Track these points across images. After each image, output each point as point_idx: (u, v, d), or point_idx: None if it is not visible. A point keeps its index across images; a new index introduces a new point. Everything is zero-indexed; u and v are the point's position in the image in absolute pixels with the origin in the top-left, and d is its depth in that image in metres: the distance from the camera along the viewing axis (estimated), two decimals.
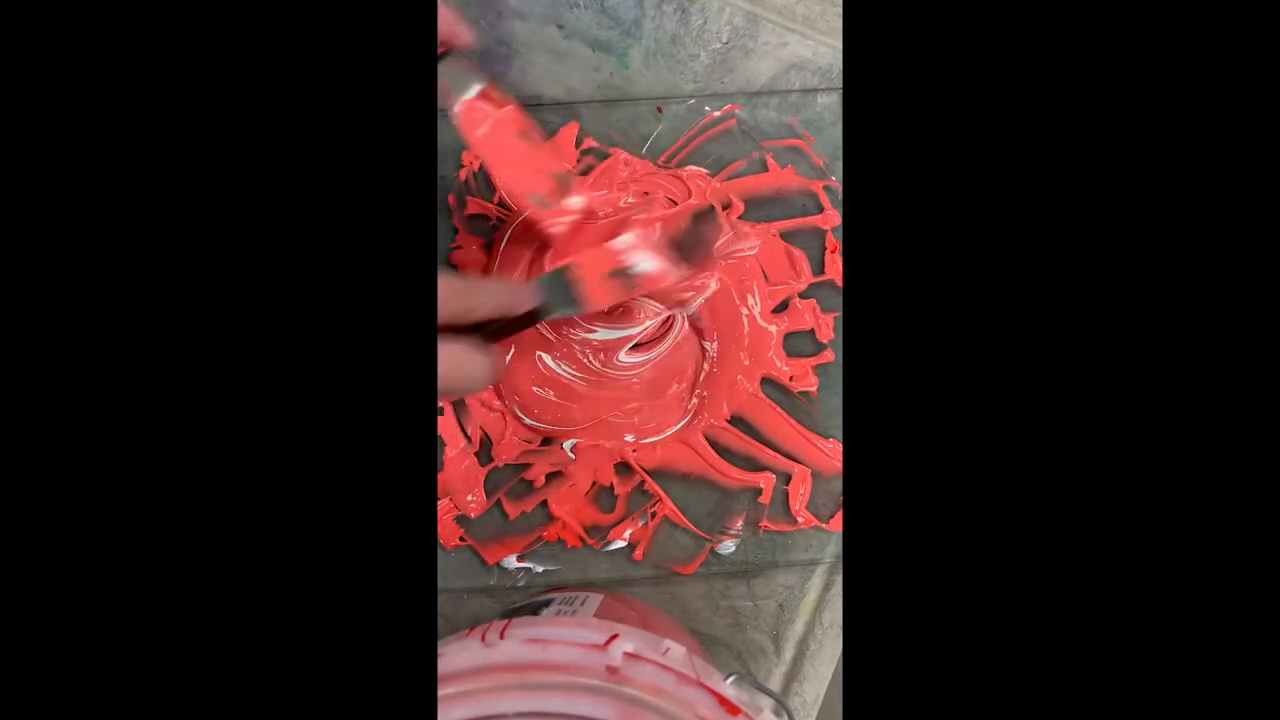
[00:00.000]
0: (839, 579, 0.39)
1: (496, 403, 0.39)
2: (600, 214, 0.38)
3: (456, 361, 0.29)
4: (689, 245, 0.35)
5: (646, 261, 0.34)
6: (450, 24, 0.33)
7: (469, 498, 0.38)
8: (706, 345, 0.39)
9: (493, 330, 0.31)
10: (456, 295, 0.30)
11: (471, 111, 0.34)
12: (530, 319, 0.33)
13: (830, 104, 0.41)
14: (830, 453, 0.39)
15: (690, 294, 0.39)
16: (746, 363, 0.39)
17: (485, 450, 0.39)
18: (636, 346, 0.39)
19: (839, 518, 0.39)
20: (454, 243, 0.39)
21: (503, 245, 0.39)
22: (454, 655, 0.22)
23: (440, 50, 0.34)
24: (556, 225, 0.36)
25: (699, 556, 0.39)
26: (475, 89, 0.34)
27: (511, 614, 0.30)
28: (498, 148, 0.35)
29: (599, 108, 0.40)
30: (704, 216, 0.36)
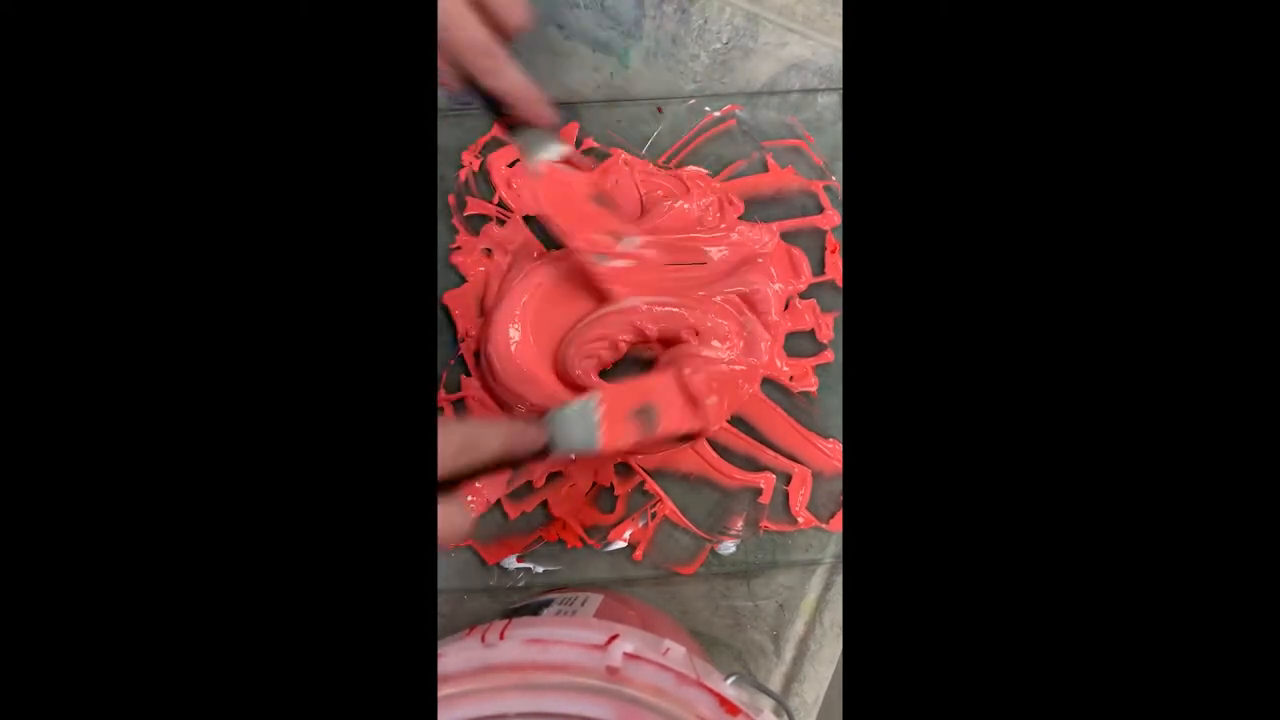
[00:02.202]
0: (839, 579, 0.39)
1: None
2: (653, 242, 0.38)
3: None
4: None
5: (668, 407, 0.34)
6: (536, 105, 0.33)
7: (469, 498, 0.38)
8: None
9: (488, 475, 0.30)
10: (458, 448, 0.27)
11: (553, 174, 0.34)
12: (538, 458, 0.31)
13: (830, 104, 0.41)
14: (830, 453, 0.39)
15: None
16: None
17: None
18: None
19: (839, 518, 0.39)
20: (454, 243, 0.39)
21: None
22: (454, 655, 0.22)
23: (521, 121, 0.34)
24: (612, 267, 0.36)
25: (699, 556, 0.39)
26: (557, 152, 0.34)
27: (511, 614, 0.30)
28: (569, 209, 0.35)
29: (599, 108, 0.40)
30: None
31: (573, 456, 0.35)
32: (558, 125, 0.34)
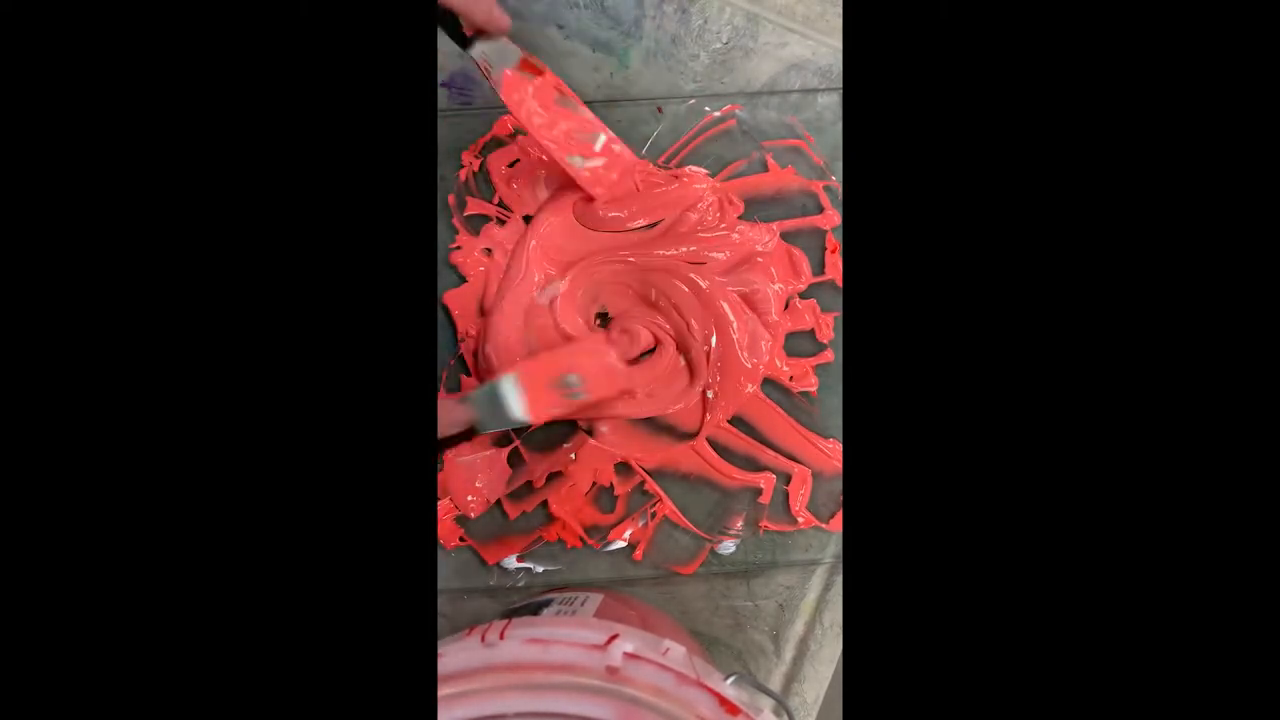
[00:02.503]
0: (839, 579, 0.39)
1: None
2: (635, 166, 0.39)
3: None
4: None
5: (591, 374, 0.35)
6: (488, 10, 0.34)
7: (469, 498, 0.38)
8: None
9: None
10: None
11: (513, 81, 0.35)
12: (466, 436, 0.32)
13: (830, 104, 0.41)
14: (830, 453, 0.39)
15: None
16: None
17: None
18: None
19: (839, 518, 0.39)
20: (454, 243, 0.39)
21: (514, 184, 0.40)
22: (454, 655, 0.22)
23: (476, 32, 0.35)
24: (590, 174, 0.37)
25: (699, 556, 0.39)
26: (515, 59, 0.35)
27: (511, 614, 0.30)
28: (540, 113, 0.36)
29: (599, 108, 0.40)
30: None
31: (499, 430, 0.36)
32: (509, 30, 0.35)
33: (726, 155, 0.40)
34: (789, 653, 0.39)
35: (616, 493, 0.39)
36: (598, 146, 0.37)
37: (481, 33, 0.34)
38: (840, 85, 0.41)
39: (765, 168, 0.40)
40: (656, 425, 0.39)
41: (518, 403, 0.33)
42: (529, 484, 0.38)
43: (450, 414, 0.31)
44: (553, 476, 0.39)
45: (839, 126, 0.41)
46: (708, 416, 0.38)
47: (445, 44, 0.36)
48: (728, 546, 0.39)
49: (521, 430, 0.38)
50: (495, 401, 0.33)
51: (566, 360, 0.35)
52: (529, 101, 0.36)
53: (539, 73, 0.36)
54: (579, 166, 0.37)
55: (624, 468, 0.39)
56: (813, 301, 0.40)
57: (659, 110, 0.40)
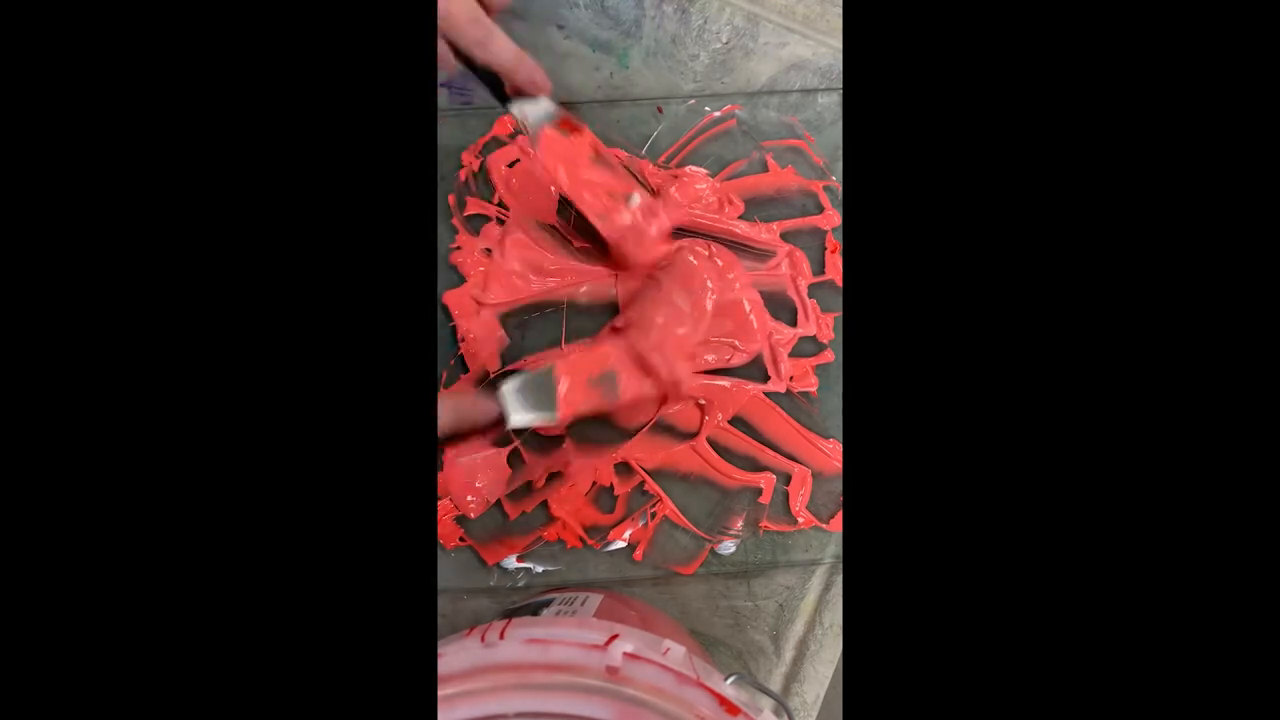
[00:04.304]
0: (839, 579, 0.39)
1: None
2: (671, 219, 0.39)
3: None
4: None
5: (628, 375, 0.35)
6: (530, 73, 0.34)
7: (469, 498, 0.38)
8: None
9: (449, 443, 0.30)
10: None
11: (551, 139, 0.35)
12: (494, 430, 0.32)
13: (830, 104, 0.41)
14: (830, 453, 0.39)
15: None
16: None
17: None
18: None
19: (839, 518, 0.39)
20: (454, 243, 0.39)
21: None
22: (454, 655, 0.22)
23: (516, 91, 0.34)
24: (620, 230, 0.37)
25: (699, 556, 0.39)
26: (554, 117, 0.35)
27: (511, 614, 0.30)
28: (575, 173, 0.36)
29: (599, 108, 0.40)
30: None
31: (527, 426, 0.35)
32: (551, 91, 0.35)
33: (726, 155, 0.40)
34: (789, 653, 0.39)
35: (616, 493, 0.39)
36: (633, 205, 0.36)
37: (521, 93, 0.34)
38: (840, 85, 0.41)
39: (765, 168, 0.40)
40: (657, 425, 0.39)
41: (554, 399, 0.32)
42: (529, 484, 0.38)
43: (475, 407, 0.31)
44: (553, 476, 0.39)
45: (839, 126, 0.41)
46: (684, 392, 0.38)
47: (445, 44, 0.36)
48: (728, 546, 0.39)
49: (522, 431, 0.38)
50: (531, 396, 0.32)
51: (605, 357, 0.35)
52: (566, 160, 0.35)
53: (577, 131, 0.35)
54: (612, 225, 0.36)
55: (624, 468, 0.39)
56: (813, 301, 0.40)
57: (659, 110, 0.40)
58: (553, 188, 0.39)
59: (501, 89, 0.34)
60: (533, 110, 0.35)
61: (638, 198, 0.36)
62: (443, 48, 0.32)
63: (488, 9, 0.33)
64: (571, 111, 0.35)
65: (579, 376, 0.33)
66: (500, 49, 0.32)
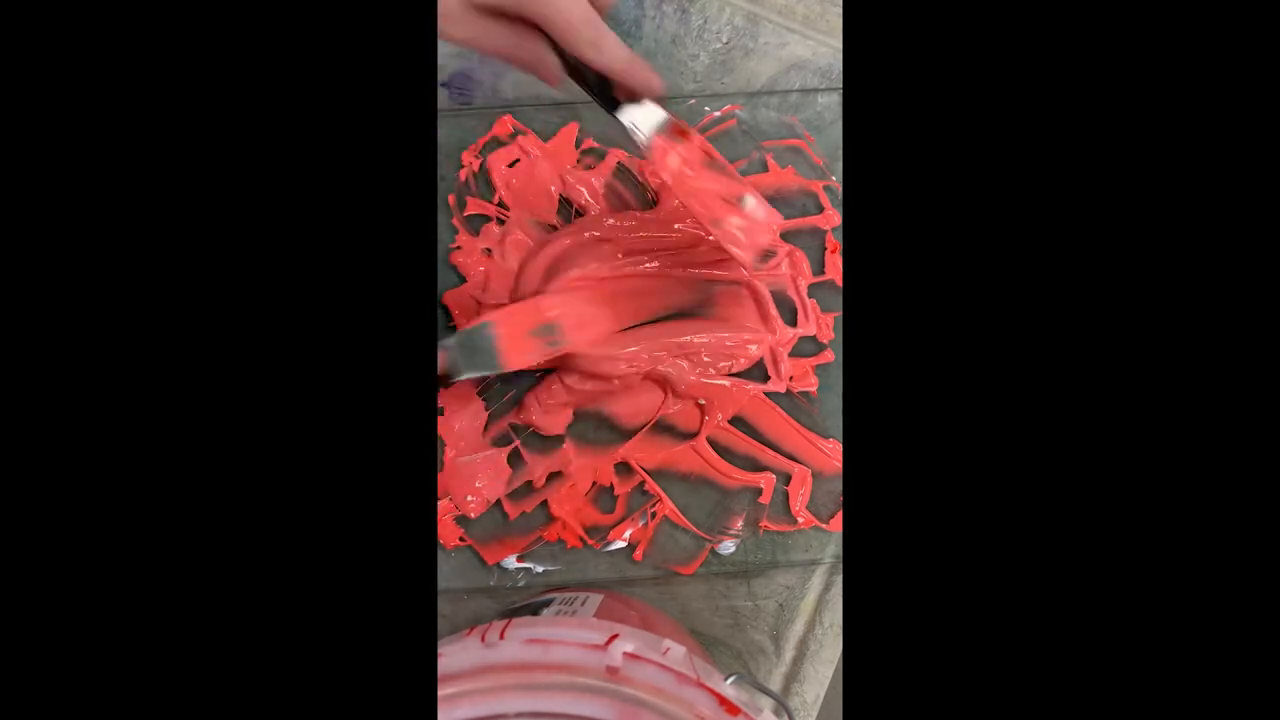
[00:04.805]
0: (839, 579, 0.39)
1: None
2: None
3: None
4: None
5: (571, 323, 0.35)
6: (646, 76, 0.32)
7: (469, 498, 0.38)
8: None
9: None
10: None
11: (662, 147, 0.34)
12: (442, 383, 0.32)
13: (830, 104, 0.41)
14: (830, 453, 0.39)
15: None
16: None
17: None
18: None
19: (839, 518, 0.39)
20: (454, 243, 0.39)
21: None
22: (454, 655, 0.22)
23: (627, 96, 0.34)
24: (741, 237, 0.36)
25: (699, 556, 0.39)
26: (664, 124, 0.34)
27: (511, 614, 0.30)
28: (688, 181, 0.35)
29: (599, 108, 0.40)
30: None
31: (477, 376, 0.36)
32: (664, 94, 0.34)
33: (726, 155, 0.40)
34: (789, 653, 0.39)
35: (616, 493, 0.39)
36: (747, 208, 0.35)
37: (633, 97, 0.33)
38: (840, 85, 0.41)
39: (765, 168, 0.40)
40: (657, 426, 0.39)
41: (495, 350, 0.33)
42: (529, 484, 0.38)
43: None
44: (553, 476, 0.39)
45: (839, 126, 0.41)
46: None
47: (445, 44, 0.36)
48: (728, 546, 0.39)
49: (522, 430, 0.38)
50: (471, 349, 0.33)
51: (548, 307, 0.35)
52: (680, 168, 0.35)
53: (687, 136, 0.35)
54: (730, 229, 0.35)
55: (624, 468, 0.39)
56: (813, 301, 0.40)
57: None
58: (654, 192, 0.39)
59: (610, 94, 0.33)
60: (643, 117, 0.34)
61: (751, 200, 0.36)
62: (547, 55, 0.30)
63: (598, 9, 0.31)
64: (679, 118, 0.34)
65: (518, 328, 0.34)
66: (615, 50, 0.30)
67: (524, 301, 0.36)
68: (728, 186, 0.35)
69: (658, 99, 0.34)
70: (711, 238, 0.36)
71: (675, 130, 0.34)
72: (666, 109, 0.34)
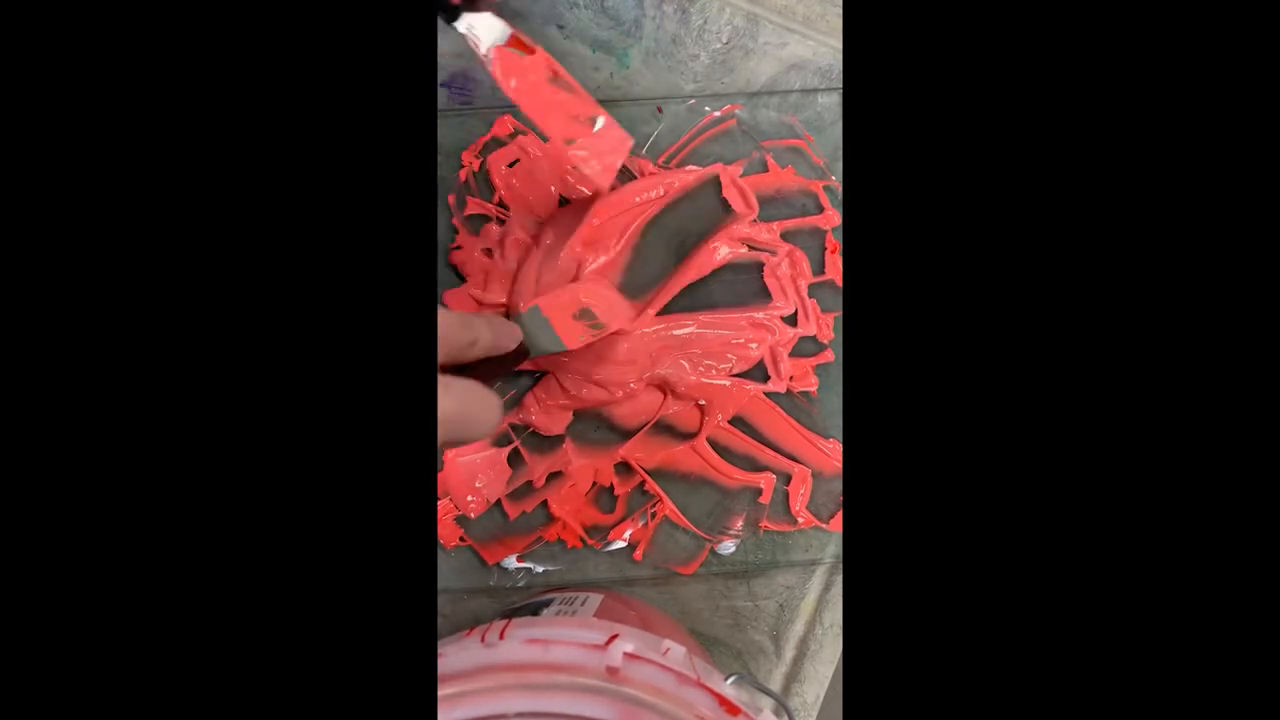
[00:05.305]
0: (839, 579, 0.39)
1: None
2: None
3: (466, 402, 0.24)
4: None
5: (603, 309, 0.35)
6: None
7: (469, 498, 0.38)
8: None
9: (487, 370, 0.31)
10: (456, 328, 0.28)
11: (505, 58, 0.34)
12: (519, 357, 0.33)
13: (830, 104, 0.41)
14: (830, 453, 0.39)
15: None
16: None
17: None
18: None
19: (839, 518, 0.39)
20: (454, 243, 0.39)
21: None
22: (454, 655, 0.22)
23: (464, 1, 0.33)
24: (591, 168, 0.35)
25: (699, 556, 0.39)
26: (505, 35, 0.34)
27: (511, 614, 0.30)
28: (533, 93, 0.34)
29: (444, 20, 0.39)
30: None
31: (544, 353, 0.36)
32: (502, 5, 0.33)
33: (726, 155, 0.40)
34: (789, 653, 0.39)
35: (616, 493, 0.39)
36: (597, 129, 0.35)
37: (472, 4, 0.32)
38: (840, 85, 0.41)
39: (765, 168, 0.40)
40: (657, 426, 0.39)
41: (552, 330, 0.34)
42: (529, 484, 0.38)
43: (508, 331, 0.31)
44: (553, 476, 0.39)
45: (839, 126, 0.41)
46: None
47: (445, 44, 0.36)
48: (728, 546, 0.39)
49: (522, 430, 0.38)
50: (537, 327, 0.34)
51: (579, 296, 0.36)
52: (521, 80, 0.34)
53: (530, 51, 0.34)
54: (582, 149, 0.35)
55: (624, 468, 0.39)
56: (813, 301, 0.40)
57: (659, 110, 0.40)
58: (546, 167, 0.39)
59: (447, 1, 0.32)
60: (483, 26, 0.33)
61: (602, 119, 0.35)
62: None
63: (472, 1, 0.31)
64: (521, 32, 0.34)
65: (562, 312, 0.35)
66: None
67: (560, 289, 0.36)
68: (578, 106, 0.35)
69: (498, 8, 0.33)
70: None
71: (516, 43, 0.33)
72: (510, 23, 0.33)
